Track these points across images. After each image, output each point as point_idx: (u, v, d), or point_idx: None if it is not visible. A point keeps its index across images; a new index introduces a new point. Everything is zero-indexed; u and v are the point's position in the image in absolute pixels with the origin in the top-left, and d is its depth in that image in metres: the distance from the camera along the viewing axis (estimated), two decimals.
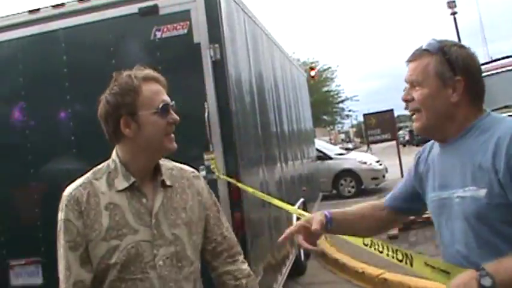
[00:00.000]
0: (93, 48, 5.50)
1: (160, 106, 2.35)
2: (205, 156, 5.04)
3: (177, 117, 2.40)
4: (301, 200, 9.61)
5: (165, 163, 2.53)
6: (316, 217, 2.50)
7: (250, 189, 5.11)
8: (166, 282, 2.32)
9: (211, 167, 5.00)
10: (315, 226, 2.43)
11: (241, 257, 2.68)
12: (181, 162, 5.08)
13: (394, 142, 21.60)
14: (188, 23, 5.19)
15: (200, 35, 5.17)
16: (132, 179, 2.35)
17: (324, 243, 10.40)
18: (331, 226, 2.52)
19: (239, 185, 5.03)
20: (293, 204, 8.51)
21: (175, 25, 5.23)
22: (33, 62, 5.68)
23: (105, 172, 2.41)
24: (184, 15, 5.20)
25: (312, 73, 26.57)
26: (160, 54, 5.24)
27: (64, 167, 5.41)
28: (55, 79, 5.55)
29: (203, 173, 5.01)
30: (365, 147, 36.72)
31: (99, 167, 2.46)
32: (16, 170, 5.62)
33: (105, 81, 5.28)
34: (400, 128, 66.49)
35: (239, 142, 5.34)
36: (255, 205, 5.43)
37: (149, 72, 2.43)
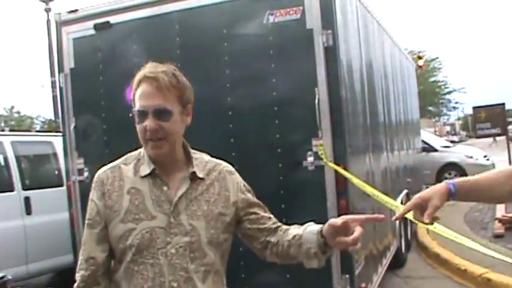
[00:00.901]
0: (205, 31, 5.58)
1: (136, 110, 2.37)
2: (314, 142, 5.03)
3: (152, 126, 2.32)
4: (405, 191, 9.43)
5: (201, 156, 2.56)
6: (436, 191, 2.30)
7: (355, 180, 5.06)
8: (176, 270, 2.34)
9: (319, 153, 4.98)
10: (436, 202, 2.26)
11: (282, 226, 2.61)
12: (288, 147, 5.14)
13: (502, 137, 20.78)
14: (301, 8, 5.17)
15: (313, 20, 5.14)
16: (152, 167, 2.41)
17: (425, 237, 10.18)
18: (455, 198, 2.34)
19: (345, 174, 4.99)
20: (396, 196, 8.38)
21: (288, 10, 5.23)
22: (147, 43, 5.82)
23: (135, 158, 2.49)
24: (297, 0, 5.19)
25: (420, 62, 26.00)
26: (272, 38, 5.25)
27: None
28: (167, 60, 5.66)
29: (311, 158, 5.01)
30: (470, 141, 35.39)
31: (132, 153, 2.54)
32: (128, 147, 5.78)
33: (216, 64, 5.44)
34: (510, 123, 63.76)
35: (348, 130, 5.30)
36: (360, 193, 5.36)
37: (150, 70, 2.39)
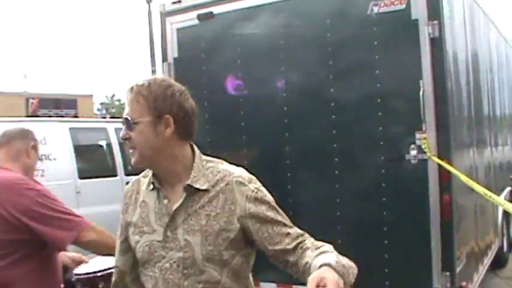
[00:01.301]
0: (309, 21, 5.56)
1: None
2: (417, 136, 4.91)
3: (121, 134, 2.33)
4: (509, 188, 9.11)
5: (216, 165, 2.41)
6: None
7: (463, 178, 4.92)
8: (169, 285, 2.32)
9: (423, 147, 4.87)
10: None
11: (304, 242, 2.28)
12: (391, 140, 5.06)
13: None
14: None
15: (418, 10, 5.00)
16: (152, 180, 2.40)
17: None
18: None
19: (453, 170, 4.86)
20: (499, 193, 8.11)
21: (393, 0, 5.12)
22: (250, 33, 5.87)
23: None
24: None
25: None
26: (376, 29, 5.17)
27: (275, 135, 5.59)
28: (271, 50, 5.71)
29: (414, 152, 4.91)
30: None
31: None
32: (229, 135, 5.90)
33: (319, 54, 5.42)
34: None
35: (453, 123, 5.15)
36: (463, 189, 5.22)
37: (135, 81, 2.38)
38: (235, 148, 5.83)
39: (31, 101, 25.97)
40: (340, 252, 2.11)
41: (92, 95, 37.43)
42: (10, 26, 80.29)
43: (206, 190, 2.32)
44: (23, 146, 3.45)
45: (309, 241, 2.25)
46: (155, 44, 21.04)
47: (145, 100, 2.28)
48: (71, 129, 9.35)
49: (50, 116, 11.22)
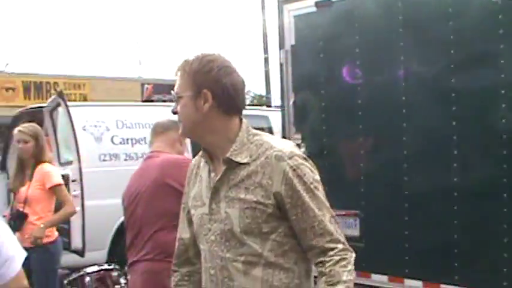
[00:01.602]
0: (429, 9, 5.40)
1: None
2: None
3: (173, 108, 2.46)
4: None
5: (262, 138, 2.41)
6: None
7: None
8: (214, 258, 2.37)
9: None
10: None
11: (331, 257, 2.27)
12: None
13: None
14: None
15: None
16: (202, 154, 2.50)
17: None
18: None
19: None
20: None
21: None
22: (369, 21, 5.78)
23: None
24: None
25: None
26: (502, 17, 4.91)
27: (392, 125, 5.51)
28: (390, 38, 5.61)
29: None
30: None
31: None
32: (345, 124, 5.86)
33: (440, 42, 5.25)
34: None
35: None
36: None
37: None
38: (351, 137, 5.78)
39: (146, 86, 26.76)
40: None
41: None
42: (128, 17, 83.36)
43: (247, 163, 2.33)
44: (177, 135, 3.79)
45: (330, 263, 2.24)
46: (268, 31, 21.20)
47: (187, 75, 2.38)
48: None
49: (164, 101, 11.57)
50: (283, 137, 6.41)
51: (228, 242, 2.33)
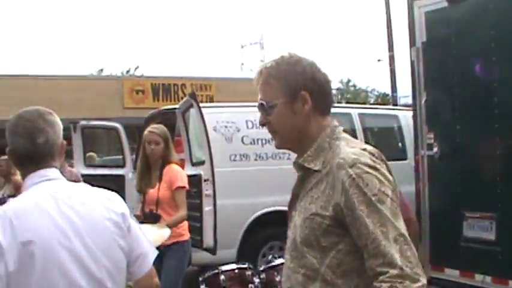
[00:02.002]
0: None
1: None
2: None
3: (259, 120, 2.26)
4: None
5: (340, 142, 2.16)
6: None
7: None
8: (285, 266, 2.26)
9: None
10: None
11: (380, 283, 1.90)
12: None
13: None
14: None
15: None
16: (295, 160, 2.28)
17: None
18: None
19: None
20: None
21: None
22: (505, 13, 5.57)
23: None
24: None
25: None
26: None
27: None
28: None
29: None
30: None
31: None
32: (480, 123, 5.64)
33: None
34: None
35: None
36: None
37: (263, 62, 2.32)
38: (487, 137, 5.56)
39: None
40: None
41: None
42: (252, 18, 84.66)
43: (319, 171, 2.15)
44: None
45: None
46: (392, 28, 20.79)
47: (276, 81, 2.18)
48: None
49: None
50: (415, 136, 6.31)
51: (293, 252, 2.18)
